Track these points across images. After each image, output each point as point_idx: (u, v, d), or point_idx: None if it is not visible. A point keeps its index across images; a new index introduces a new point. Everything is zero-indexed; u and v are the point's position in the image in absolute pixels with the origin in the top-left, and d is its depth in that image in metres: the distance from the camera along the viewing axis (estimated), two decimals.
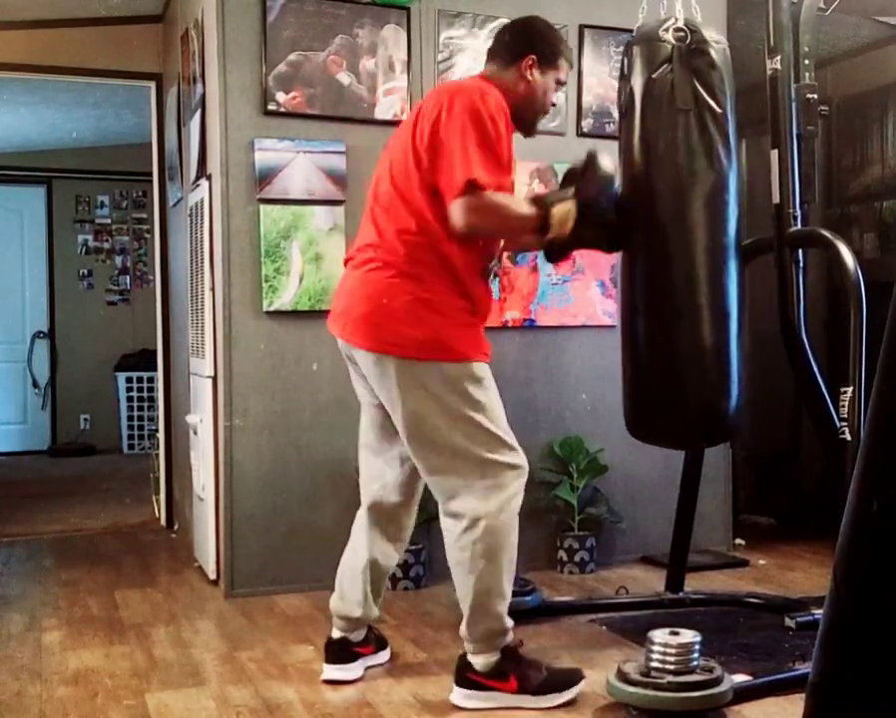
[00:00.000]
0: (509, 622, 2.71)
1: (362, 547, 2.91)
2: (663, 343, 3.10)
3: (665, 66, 3.04)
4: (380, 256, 2.66)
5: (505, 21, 4.06)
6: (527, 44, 2.81)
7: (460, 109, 2.58)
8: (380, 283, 2.64)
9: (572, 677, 2.75)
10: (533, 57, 2.80)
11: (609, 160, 2.80)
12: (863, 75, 5.05)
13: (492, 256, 2.77)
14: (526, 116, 2.81)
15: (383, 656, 3.04)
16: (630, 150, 3.11)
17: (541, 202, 2.72)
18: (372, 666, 2.98)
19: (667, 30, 3.05)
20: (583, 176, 2.76)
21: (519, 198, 2.76)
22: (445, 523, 2.71)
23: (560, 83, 2.88)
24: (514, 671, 2.68)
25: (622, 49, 3.92)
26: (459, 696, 2.69)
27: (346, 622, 2.92)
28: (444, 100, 2.63)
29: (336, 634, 2.94)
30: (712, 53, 3.06)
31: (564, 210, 2.69)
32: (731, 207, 3.10)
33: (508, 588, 2.71)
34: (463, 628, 2.70)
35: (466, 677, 2.69)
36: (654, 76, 3.05)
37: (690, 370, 3.09)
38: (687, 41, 3.03)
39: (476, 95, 2.62)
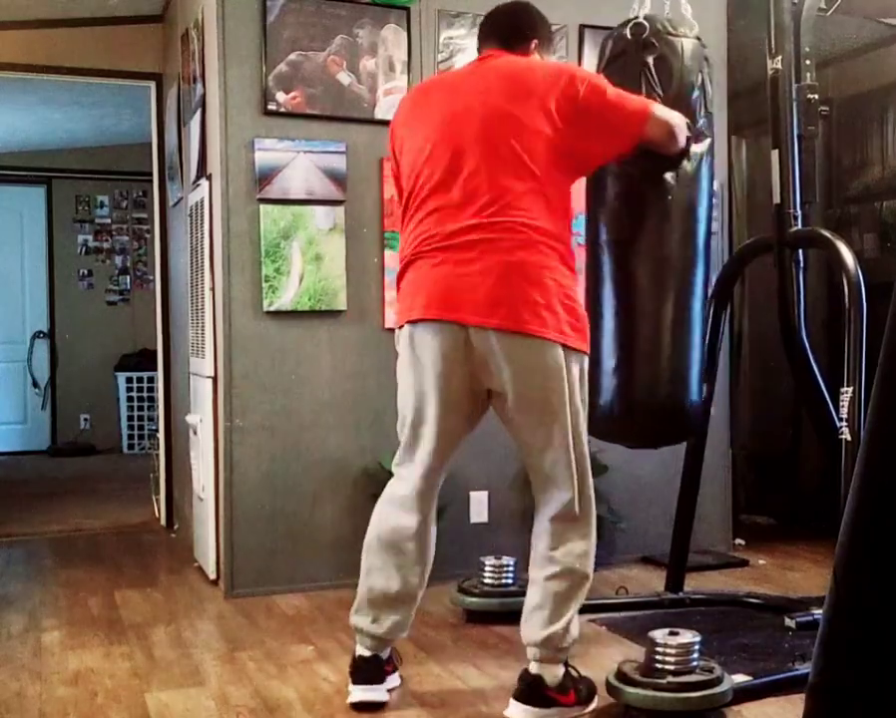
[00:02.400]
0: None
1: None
2: (622, 340, 3.07)
3: (618, 59, 3.05)
4: (530, 238, 2.54)
5: None
6: (530, 28, 2.83)
7: (584, 77, 2.66)
8: (541, 265, 2.53)
9: (592, 684, 2.73)
10: (536, 41, 2.83)
11: None
12: (863, 75, 5.05)
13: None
14: None
15: (397, 679, 2.86)
16: None
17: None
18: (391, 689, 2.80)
19: (626, 25, 3.06)
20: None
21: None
22: (564, 528, 2.62)
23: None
24: (572, 685, 2.64)
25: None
26: (523, 713, 2.58)
27: (377, 642, 2.72)
28: (562, 80, 2.61)
29: (367, 653, 2.72)
30: (666, 46, 3.02)
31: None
32: (701, 201, 3.06)
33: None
34: (552, 634, 2.58)
35: (541, 694, 2.59)
36: (607, 69, 3.05)
37: (644, 368, 3.06)
38: (644, 35, 3.02)
39: (576, 68, 2.78)
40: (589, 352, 2.64)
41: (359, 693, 2.68)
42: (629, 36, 3.04)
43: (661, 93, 2.99)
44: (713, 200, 3.20)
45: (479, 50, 2.86)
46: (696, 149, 2.97)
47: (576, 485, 2.60)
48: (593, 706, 2.69)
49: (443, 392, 2.60)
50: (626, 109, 2.67)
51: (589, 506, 2.65)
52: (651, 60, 3.02)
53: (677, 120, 2.81)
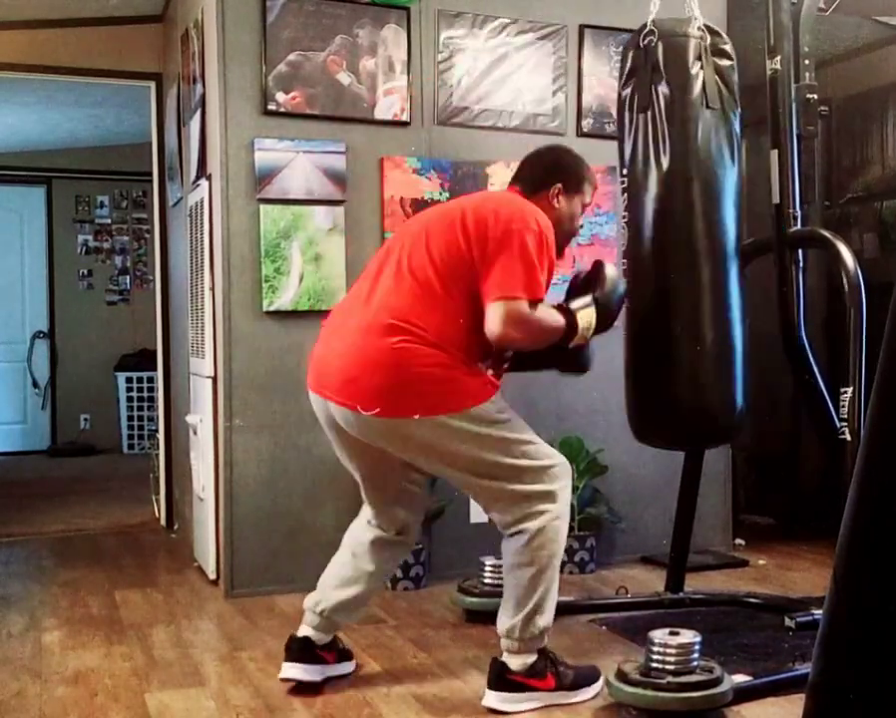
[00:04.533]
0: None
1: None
2: (666, 345, 3.17)
3: (697, 62, 3.13)
4: (403, 324, 2.64)
5: (506, 20, 4.11)
6: (553, 174, 2.90)
7: (522, 230, 2.67)
8: (401, 352, 2.62)
9: (594, 672, 2.81)
10: (559, 186, 2.88)
11: (613, 268, 2.97)
12: (863, 75, 5.05)
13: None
14: (556, 240, 2.84)
15: (347, 667, 2.97)
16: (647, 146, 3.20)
17: (567, 312, 2.81)
18: (332, 677, 2.90)
19: (692, 27, 3.13)
20: (596, 281, 2.89)
21: (548, 308, 2.78)
22: (516, 530, 2.72)
23: (585, 206, 2.97)
24: (550, 669, 2.72)
25: (622, 49, 3.93)
26: (495, 700, 2.67)
27: (321, 621, 2.88)
28: (501, 214, 2.70)
29: (301, 632, 2.89)
30: (730, 52, 3.19)
31: (588, 319, 2.82)
32: (731, 206, 3.19)
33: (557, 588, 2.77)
34: (513, 626, 2.68)
35: (505, 679, 2.68)
36: (693, 72, 3.13)
37: (690, 373, 3.15)
38: (708, 41, 3.10)
39: (537, 220, 2.71)
40: (466, 405, 2.65)
41: (288, 669, 2.84)
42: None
43: (733, 94, 3.14)
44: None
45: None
46: None
47: (508, 508, 2.71)
48: (590, 694, 2.74)
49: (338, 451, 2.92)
50: (502, 275, 2.63)
51: (539, 502, 2.71)
52: (727, 67, 3.16)
53: (547, 322, 2.73)
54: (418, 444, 2.69)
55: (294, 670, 2.83)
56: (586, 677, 2.77)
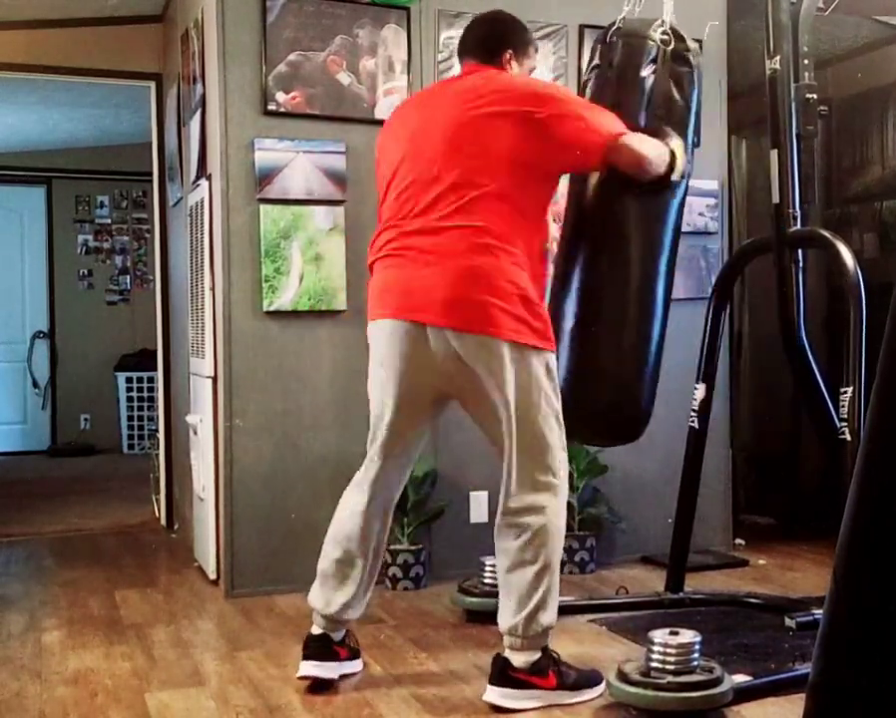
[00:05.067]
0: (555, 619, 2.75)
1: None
2: (584, 339, 3.09)
3: (651, 65, 3.06)
4: (487, 238, 2.63)
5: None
6: (503, 39, 2.89)
7: (549, 95, 2.74)
8: (492, 266, 2.62)
9: (596, 675, 2.80)
10: (510, 51, 2.87)
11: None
12: (863, 75, 5.05)
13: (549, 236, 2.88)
14: None
15: (357, 665, 2.98)
16: None
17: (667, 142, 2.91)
18: (345, 675, 2.91)
19: (655, 30, 3.07)
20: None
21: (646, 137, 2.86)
22: (517, 520, 2.70)
23: (532, 70, 2.97)
24: (553, 668, 2.71)
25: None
26: (496, 695, 2.67)
27: (328, 622, 2.88)
28: (527, 97, 2.70)
29: (317, 630, 2.89)
30: (691, 59, 3.10)
31: (680, 148, 2.93)
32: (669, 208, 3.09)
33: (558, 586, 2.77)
34: (516, 623, 2.67)
35: (507, 676, 2.68)
36: (643, 74, 3.06)
37: (602, 366, 3.08)
38: (671, 45, 3.06)
39: (539, 86, 2.82)
40: (552, 348, 2.72)
41: (307, 668, 2.84)
42: (658, 42, 3.06)
43: (687, 101, 3.07)
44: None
45: (460, 65, 2.96)
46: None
47: (529, 483, 2.69)
48: (592, 696, 2.73)
49: (400, 388, 2.75)
50: (587, 133, 2.71)
51: (544, 499, 2.69)
52: (684, 73, 3.09)
53: (652, 152, 2.84)
54: (500, 369, 2.62)
55: (312, 668, 2.84)
56: (588, 679, 2.77)
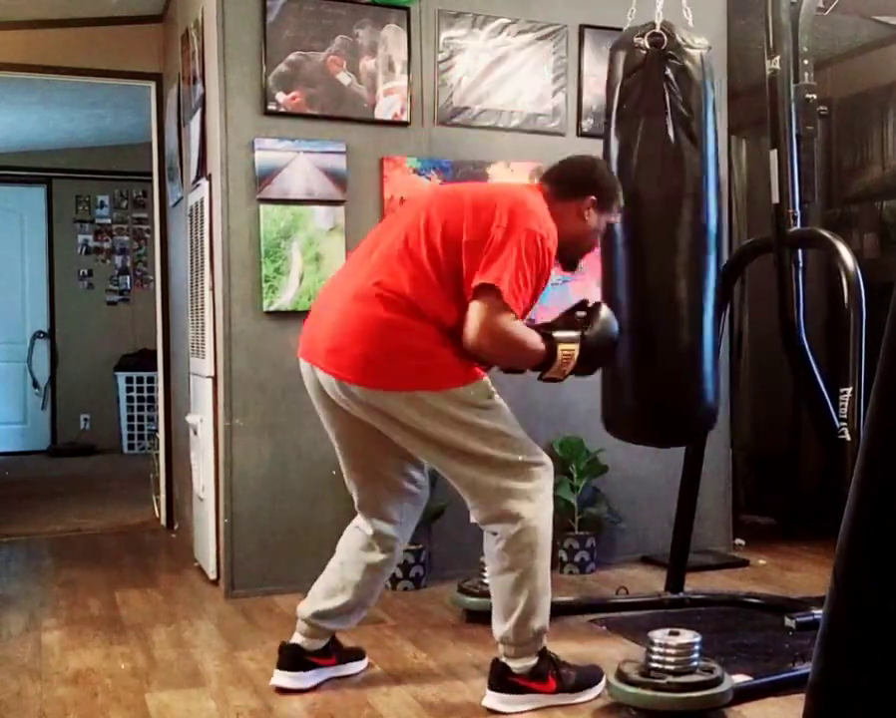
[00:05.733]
0: (548, 623, 2.73)
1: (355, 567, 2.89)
2: (639, 342, 3.18)
3: (637, 72, 3.14)
4: (379, 292, 2.62)
5: (506, 20, 4.11)
6: (592, 185, 2.82)
7: (523, 230, 2.58)
8: (378, 318, 2.60)
9: (597, 672, 2.80)
10: (594, 198, 2.80)
11: (609, 311, 2.87)
12: (863, 75, 5.05)
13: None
14: (573, 252, 2.83)
15: (356, 666, 2.98)
16: (608, 154, 3.23)
17: (550, 339, 2.72)
18: (343, 677, 2.92)
19: (642, 36, 3.11)
20: (590, 319, 2.80)
21: (530, 330, 2.71)
22: (491, 529, 2.70)
23: (610, 224, 2.93)
24: (552, 671, 2.70)
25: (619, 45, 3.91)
26: (495, 701, 2.67)
27: (310, 628, 2.87)
28: (506, 206, 2.62)
29: (293, 640, 2.90)
30: (686, 59, 3.13)
31: (569, 354, 2.73)
32: (709, 212, 3.18)
33: (549, 589, 2.74)
34: (507, 632, 2.66)
35: (506, 681, 2.67)
36: (625, 83, 3.16)
37: (664, 369, 3.17)
38: (663, 45, 3.07)
39: (541, 226, 2.63)
40: (450, 385, 2.62)
41: (277, 677, 2.86)
42: (647, 47, 3.10)
43: (682, 104, 3.10)
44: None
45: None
46: None
47: (484, 502, 2.67)
48: (593, 695, 2.73)
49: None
50: (497, 264, 2.55)
51: (514, 500, 2.65)
52: (675, 72, 3.12)
53: (487, 338, 2.58)
54: (397, 419, 2.64)
55: (282, 678, 2.85)
56: (588, 678, 2.77)
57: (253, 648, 3.22)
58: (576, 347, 2.73)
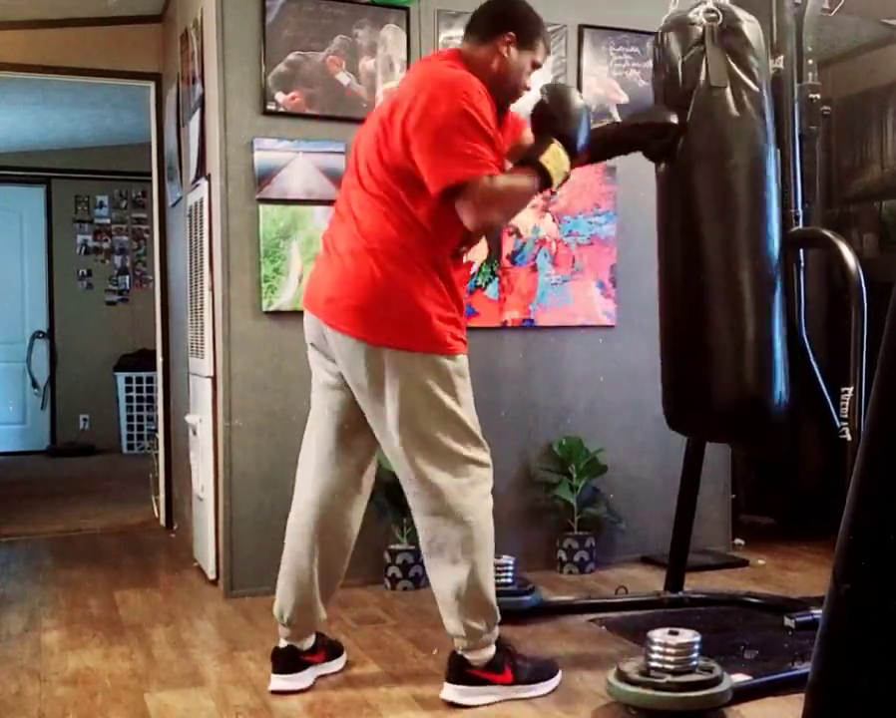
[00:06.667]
0: (498, 613, 2.74)
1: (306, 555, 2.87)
2: (701, 333, 3.11)
3: (697, 47, 3.08)
4: (367, 245, 2.63)
5: None
6: (507, 22, 2.75)
7: (446, 107, 2.54)
8: (371, 273, 2.61)
9: (552, 666, 2.84)
10: (511, 34, 2.74)
11: (575, 92, 2.85)
12: (863, 75, 5.05)
13: (464, 240, 2.73)
14: (501, 92, 2.74)
15: (337, 664, 2.99)
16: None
17: (531, 162, 2.68)
18: (325, 675, 2.93)
19: (697, 13, 3.09)
20: (556, 112, 2.75)
21: (513, 172, 2.68)
22: (427, 522, 2.69)
23: (535, 66, 2.81)
24: (508, 663, 2.73)
25: (621, 49, 3.92)
26: (454, 693, 2.70)
27: (292, 630, 2.88)
28: (425, 90, 2.58)
29: (283, 643, 2.90)
30: (745, 31, 3.10)
31: (555, 157, 2.68)
32: (771, 187, 3.12)
33: (493, 581, 2.74)
34: (455, 627, 2.69)
35: (463, 673, 2.70)
36: (686, 59, 3.09)
37: (729, 362, 3.10)
38: (720, 21, 3.06)
39: (456, 91, 2.57)
40: (432, 350, 2.63)
41: (275, 681, 2.85)
42: (705, 22, 3.06)
43: (752, 80, 3.06)
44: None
45: None
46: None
47: (418, 478, 2.65)
48: (548, 688, 2.77)
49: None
50: (436, 162, 2.54)
51: (449, 497, 2.64)
52: (737, 45, 3.08)
53: (490, 212, 2.61)
54: (366, 371, 2.63)
55: (281, 682, 2.84)
56: (543, 671, 2.80)
57: (253, 648, 3.22)
58: (556, 147, 2.69)
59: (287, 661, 2.86)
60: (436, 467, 2.65)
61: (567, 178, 2.77)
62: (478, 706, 2.67)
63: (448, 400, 2.64)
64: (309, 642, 2.89)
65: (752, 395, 3.09)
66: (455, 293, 2.71)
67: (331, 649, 2.99)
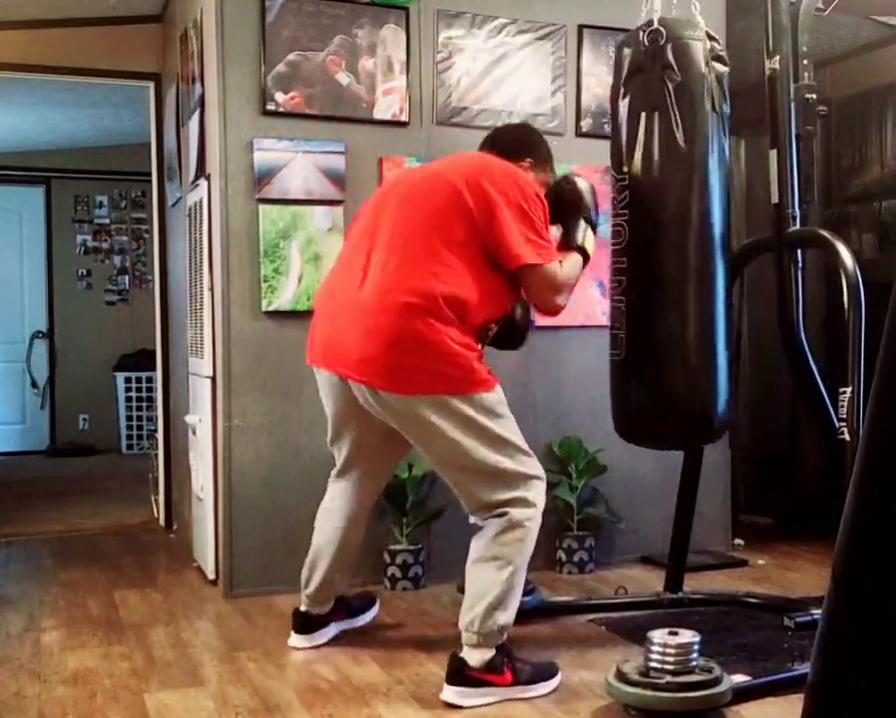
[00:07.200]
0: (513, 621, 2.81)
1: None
2: (649, 341, 3.15)
3: (639, 71, 3.14)
4: (407, 296, 2.73)
5: (505, 20, 4.11)
6: (525, 148, 3.09)
7: (518, 192, 2.81)
8: (419, 331, 2.72)
9: (552, 668, 2.88)
10: (531, 160, 3.06)
11: (579, 179, 3.16)
12: (862, 75, 5.05)
13: (497, 320, 2.96)
14: None
15: (363, 619, 3.34)
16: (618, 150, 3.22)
17: (578, 248, 3.02)
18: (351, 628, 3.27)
19: (644, 30, 3.12)
20: (578, 201, 3.07)
21: (566, 258, 2.96)
22: (484, 520, 2.82)
23: (545, 185, 3.07)
24: (508, 664, 2.77)
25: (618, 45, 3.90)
26: (453, 695, 2.72)
27: (311, 599, 3.19)
28: (496, 179, 2.82)
29: (302, 607, 3.22)
30: (689, 51, 3.12)
31: (590, 239, 3.07)
32: (713, 203, 3.14)
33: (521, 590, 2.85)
34: (472, 619, 2.74)
35: (463, 675, 2.73)
36: (624, 79, 3.18)
37: (676, 369, 3.14)
38: (662, 42, 3.08)
39: (522, 180, 2.87)
40: (475, 389, 2.77)
41: (294, 639, 3.22)
42: (646, 44, 3.11)
43: (677, 113, 3.10)
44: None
45: None
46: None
47: (477, 496, 2.82)
48: (547, 690, 2.80)
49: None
50: (510, 242, 2.78)
51: (511, 504, 2.79)
52: (669, 75, 3.11)
53: (568, 276, 2.93)
54: (421, 421, 2.78)
55: (299, 640, 3.20)
56: (542, 673, 2.83)
57: (252, 648, 3.22)
58: (588, 229, 3.06)
59: (305, 622, 3.20)
60: (490, 485, 2.80)
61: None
62: (476, 707, 2.68)
63: (497, 428, 2.81)
64: (327, 608, 3.21)
65: (699, 405, 3.15)
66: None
67: (356, 606, 3.32)
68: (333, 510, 3.21)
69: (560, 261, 2.88)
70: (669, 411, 3.17)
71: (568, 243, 3.02)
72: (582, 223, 3.04)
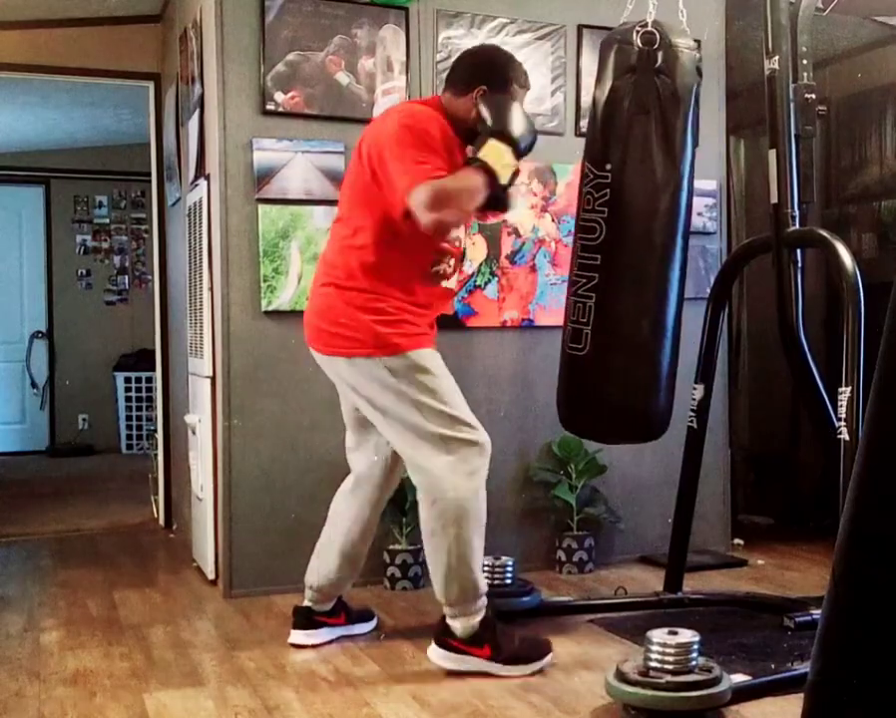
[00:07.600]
0: (482, 587, 2.92)
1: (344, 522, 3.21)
2: (620, 337, 3.22)
3: (630, 71, 3.15)
4: (326, 274, 2.99)
5: (504, 20, 4.12)
6: (476, 75, 2.96)
7: (393, 134, 2.81)
8: (326, 298, 2.96)
9: (541, 649, 2.96)
10: (483, 87, 2.92)
11: (507, 97, 2.93)
12: (862, 75, 5.05)
13: (439, 258, 2.94)
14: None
15: (361, 628, 3.31)
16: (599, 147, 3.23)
17: (470, 161, 2.79)
18: (349, 636, 3.26)
19: (638, 32, 3.12)
20: (488, 115, 2.83)
21: (455, 174, 2.77)
22: (419, 496, 2.94)
23: (517, 99, 2.97)
24: (489, 640, 2.88)
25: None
26: (435, 654, 2.93)
27: (313, 593, 3.21)
28: (385, 125, 2.88)
29: (304, 603, 3.24)
30: (680, 58, 3.16)
31: (496, 153, 2.76)
32: (680, 206, 3.20)
33: (478, 555, 2.90)
34: (439, 593, 2.91)
35: (444, 641, 2.92)
36: (614, 82, 3.17)
37: (618, 366, 3.22)
38: (655, 45, 3.08)
39: (405, 118, 2.84)
40: (381, 353, 2.87)
41: (293, 636, 3.23)
42: (639, 45, 3.10)
43: (667, 117, 3.13)
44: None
45: None
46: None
47: (413, 461, 2.92)
48: (528, 670, 2.90)
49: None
50: (395, 177, 2.78)
51: (439, 475, 2.85)
52: (662, 80, 3.13)
53: (453, 188, 2.73)
54: (347, 382, 2.98)
55: (296, 636, 3.21)
56: (529, 654, 2.92)
57: (252, 648, 3.22)
58: (494, 143, 2.76)
59: (303, 619, 3.22)
60: (415, 450, 2.89)
61: (516, 171, 2.83)
62: (457, 671, 2.88)
63: (413, 392, 2.87)
64: (328, 606, 3.23)
65: (639, 400, 3.25)
66: (425, 297, 2.95)
67: (356, 614, 3.31)
68: (351, 501, 3.22)
69: (435, 180, 2.68)
70: (636, 406, 3.26)
71: (464, 160, 2.83)
72: (483, 137, 2.78)
